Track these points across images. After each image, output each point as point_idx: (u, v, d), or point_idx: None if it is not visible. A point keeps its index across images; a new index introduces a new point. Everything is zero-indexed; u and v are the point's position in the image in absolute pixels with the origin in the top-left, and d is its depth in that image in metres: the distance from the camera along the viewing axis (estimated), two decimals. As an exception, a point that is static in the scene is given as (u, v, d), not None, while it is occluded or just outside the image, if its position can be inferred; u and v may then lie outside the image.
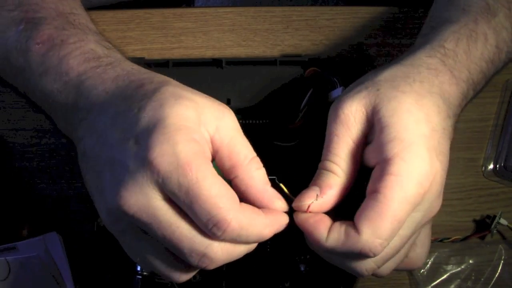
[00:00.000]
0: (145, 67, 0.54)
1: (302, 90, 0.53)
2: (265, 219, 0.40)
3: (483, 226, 0.56)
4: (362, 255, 0.40)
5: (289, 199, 0.43)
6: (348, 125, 0.42)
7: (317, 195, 0.41)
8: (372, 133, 0.42)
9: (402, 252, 0.42)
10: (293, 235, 0.51)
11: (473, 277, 0.54)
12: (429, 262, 0.56)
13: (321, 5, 0.79)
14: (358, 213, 0.40)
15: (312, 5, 0.78)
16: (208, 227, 0.37)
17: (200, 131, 0.39)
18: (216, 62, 0.54)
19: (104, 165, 0.40)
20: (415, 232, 0.42)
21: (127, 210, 0.38)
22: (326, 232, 0.40)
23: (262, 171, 0.42)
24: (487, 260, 0.55)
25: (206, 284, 0.50)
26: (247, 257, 0.49)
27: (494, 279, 0.54)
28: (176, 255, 0.39)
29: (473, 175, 0.58)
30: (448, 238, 0.55)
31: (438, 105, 0.43)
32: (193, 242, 0.38)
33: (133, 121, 0.39)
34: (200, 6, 0.86)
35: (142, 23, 0.60)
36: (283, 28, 0.60)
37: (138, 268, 0.50)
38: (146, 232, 0.39)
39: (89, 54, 0.45)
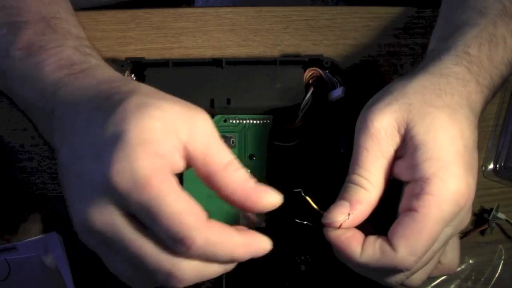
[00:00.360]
0: (143, 67, 0.54)
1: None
2: (238, 238, 0.37)
3: (482, 221, 0.56)
4: (396, 271, 0.40)
5: (317, 214, 0.42)
6: (379, 139, 0.42)
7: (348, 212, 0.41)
8: (404, 148, 0.42)
9: (432, 262, 0.43)
10: (293, 235, 0.51)
11: (473, 277, 0.54)
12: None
13: (321, 5, 0.79)
14: (393, 229, 0.40)
15: (312, 5, 0.78)
16: (171, 244, 0.36)
17: (166, 143, 0.37)
18: (216, 62, 0.54)
19: (73, 178, 0.39)
20: (446, 244, 0.42)
21: (92, 227, 0.37)
22: (359, 248, 0.40)
23: (241, 171, 0.39)
24: (487, 260, 0.55)
25: (206, 284, 0.50)
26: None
27: (494, 279, 0.54)
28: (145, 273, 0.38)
29: (473, 175, 0.58)
30: (448, 238, 0.55)
31: (469, 117, 0.43)
32: (159, 259, 0.37)
33: (97, 136, 0.38)
34: (200, 6, 0.86)
35: (142, 23, 0.60)
36: (283, 28, 0.60)
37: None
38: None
39: (64, 61, 0.44)
